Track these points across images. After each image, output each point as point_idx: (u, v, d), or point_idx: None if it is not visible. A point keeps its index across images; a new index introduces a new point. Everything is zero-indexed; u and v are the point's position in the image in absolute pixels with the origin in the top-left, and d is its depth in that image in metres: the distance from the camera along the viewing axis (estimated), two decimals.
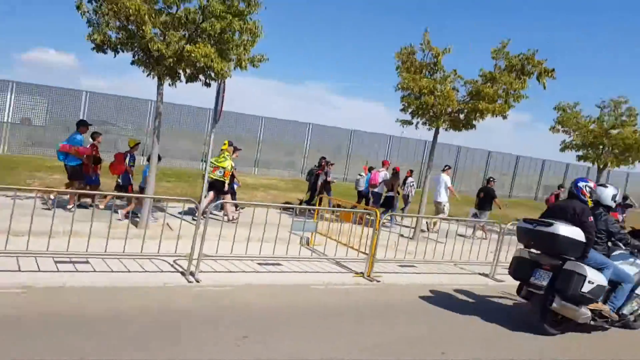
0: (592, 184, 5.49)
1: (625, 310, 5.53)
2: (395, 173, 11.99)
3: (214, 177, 9.14)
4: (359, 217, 8.46)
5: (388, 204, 11.69)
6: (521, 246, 5.74)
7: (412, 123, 9.94)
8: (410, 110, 9.60)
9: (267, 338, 4.15)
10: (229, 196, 9.34)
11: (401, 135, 22.96)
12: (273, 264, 6.67)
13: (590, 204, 5.38)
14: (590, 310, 5.12)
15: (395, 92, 9.57)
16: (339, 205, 10.04)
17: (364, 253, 7.07)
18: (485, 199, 12.01)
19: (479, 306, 6.22)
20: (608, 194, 5.62)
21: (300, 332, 4.43)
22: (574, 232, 5.00)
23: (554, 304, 4.98)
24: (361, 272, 6.81)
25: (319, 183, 11.93)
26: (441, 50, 9.01)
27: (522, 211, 18.66)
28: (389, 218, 9.50)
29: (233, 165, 9.61)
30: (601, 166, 13.25)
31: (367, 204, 12.64)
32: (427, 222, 11.20)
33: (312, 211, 8.64)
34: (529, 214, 11.58)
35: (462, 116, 9.59)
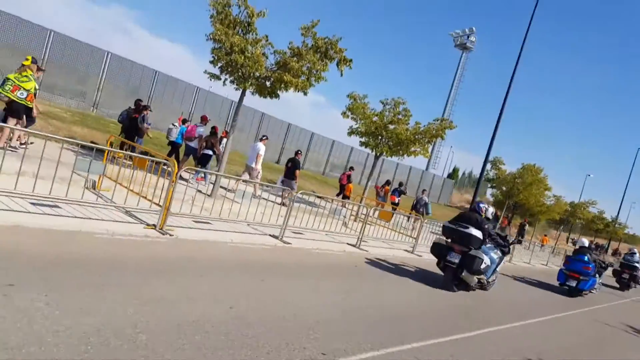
0: (486, 205, 9.45)
1: (490, 280, 9.38)
2: (214, 132, 12.03)
3: (13, 98, 7.84)
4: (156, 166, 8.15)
5: (203, 161, 11.78)
6: (441, 236, 8.99)
7: (221, 79, 9.91)
8: (219, 64, 9.53)
9: (36, 287, 3.68)
10: (14, 121, 8.03)
11: (209, 89, 22.55)
12: (50, 206, 5.99)
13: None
14: (478, 278, 8.81)
15: (207, 42, 9.35)
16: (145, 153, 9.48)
17: (158, 205, 6.89)
18: (292, 168, 13.32)
19: (270, 263, 6.81)
20: (491, 211, 9.74)
21: (75, 283, 4.02)
22: (478, 233, 8.41)
23: (463, 274, 8.41)
24: (153, 224, 6.61)
25: (140, 126, 11.39)
26: (257, 12, 9.08)
27: (313, 184, 20.59)
28: (194, 173, 9.79)
29: (37, 87, 8.31)
30: (378, 154, 15.21)
31: (177, 156, 12.44)
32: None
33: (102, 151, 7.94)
34: (318, 187, 13.47)
35: (268, 83, 9.93)
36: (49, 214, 5.77)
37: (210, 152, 11.85)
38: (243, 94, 10.19)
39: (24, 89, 8.00)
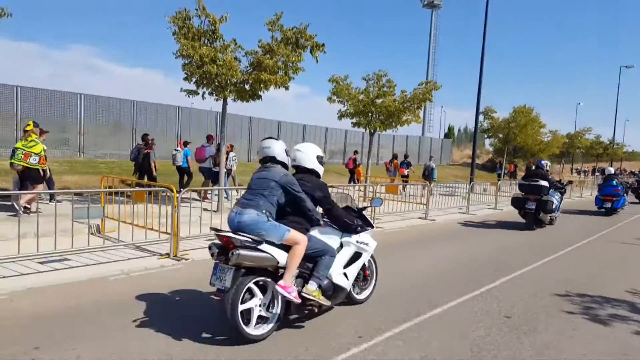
0: (545, 161, 12.22)
1: (557, 215, 12.23)
2: (218, 149, 11.88)
3: (27, 165, 8.23)
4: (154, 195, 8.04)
5: (216, 179, 11.87)
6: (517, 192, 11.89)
7: (198, 93, 9.76)
8: (194, 79, 9.37)
9: (63, 344, 3.57)
10: (41, 186, 8.47)
11: (191, 106, 22.34)
12: (59, 260, 5.89)
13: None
14: (550, 217, 11.67)
15: (177, 60, 9.19)
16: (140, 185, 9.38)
17: (166, 233, 6.80)
18: None
19: None
20: (549, 164, 12.41)
21: (100, 331, 3.89)
22: (545, 183, 11.25)
23: (540, 215, 11.25)
24: (166, 253, 6.52)
25: (152, 162, 11.75)
26: (218, 18, 8.88)
27: None
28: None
29: (45, 148, 8.68)
30: (372, 131, 15.12)
31: (189, 179, 12.80)
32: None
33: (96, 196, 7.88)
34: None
35: (247, 87, 9.77)
36: (59, 269, 5.66)
37: (217, 169, 11.79)
38: (225, 103, 10.04)
39: (34, 153, 8.29)
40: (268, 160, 4.14)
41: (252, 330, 3.75)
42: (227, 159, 12.85)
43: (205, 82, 9.34)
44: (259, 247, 3.77)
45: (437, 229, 10.93)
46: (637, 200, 21.81)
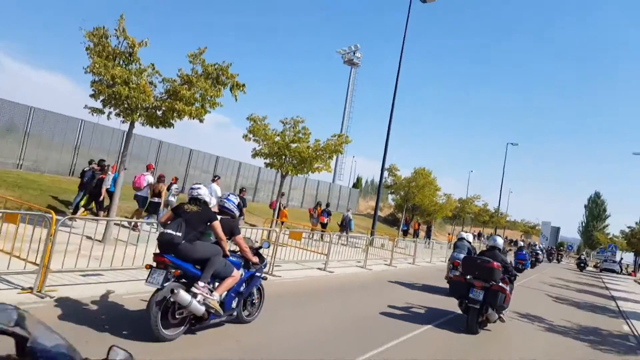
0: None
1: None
2: (161, 178, 12.52)
3: None
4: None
5: (153, 210, 12.22)
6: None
7: (104, 112, 9.19)
8: (101, 98, 8.83)
9: None
10: None
11: (97, 121, 20.88)
12: None
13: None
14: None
15: (86, 75, 8.63)
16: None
17: (34, 263, 6.01)
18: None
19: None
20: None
21: None
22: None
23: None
24: (30, 287, 5.72)
25: (104, 189, 11.66)
26: (137, 42, 8.58)
27: None
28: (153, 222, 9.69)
29: None
30: (284, 173, 15.21)
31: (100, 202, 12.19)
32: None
33: None
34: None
35: (159, 113, 9.39)
36: None
37: (158, 200, 12.29)
38: (132, 126, 9.50)
39: None
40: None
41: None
42: (169, 190, 13.40)
43: (113, 102, 8.81)
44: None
45: (333, 282, 10.95)
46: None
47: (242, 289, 5.77)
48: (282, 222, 18.04)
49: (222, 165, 28.38)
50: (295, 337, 5.97)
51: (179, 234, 5.03)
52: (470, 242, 13.03)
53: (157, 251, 5.10)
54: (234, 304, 5.65)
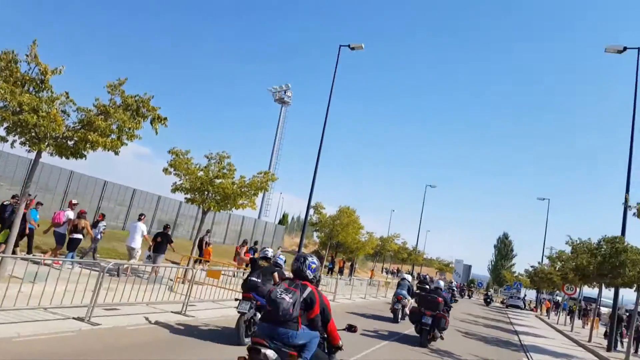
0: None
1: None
2: (82, 214, 12.54)
3: None
4: None
5: (72, 247, 12.17)
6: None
7: (7, 140, 8.60)
8: (5, 125, 8.27)
9: None
10: None
11: (1, 148, 19.30)
12: None
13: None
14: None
15: None
16: None
17: None
18: (161, 243, 13.76)
19: (71, 354, 5.74)
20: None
21: None
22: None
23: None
24: None
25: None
26: (51, 69, 8.21)
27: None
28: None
29: None
30: (206, 209, 14.88)
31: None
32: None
33: None
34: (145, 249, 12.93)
35: (70, 143, 8.91)
36: None
37: (80, 236, 12.25)
38: (38, 155, 8.94)
39: None
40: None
41: None
42: (95, 227, 13.50)
43: (19, 130, 8.27)
44: None
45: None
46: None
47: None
48: (207, 261, 17.64)
49: (140, 199, 27.16)
50: None
51: (259, 280, 8.23)
52: (409, 282, 16.61)
53: (242, 291, 8.57)
54: None
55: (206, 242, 18.98)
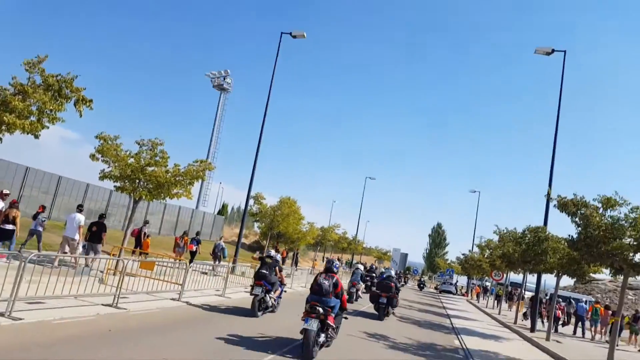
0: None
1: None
2: (14, 204, 12.04)
3: None
4: None
5: (4, 237, 11.79)
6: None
7: None
8: None
9: None
10: None
11: None
12: None
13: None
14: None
15: None
16: None
17: None
18: (97, 232, 13.30)
19: None
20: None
21: None
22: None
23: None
24: None
25: None
26: None
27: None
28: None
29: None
30: (137, 198, 14.17)
31: None
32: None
33: None
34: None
35: None
36: None
37: (12, 227, 11.77)
38: None
39: None
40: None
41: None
42: (35, 219, 13.25)
43: None
44: None
45: (186, 313, 10.41)
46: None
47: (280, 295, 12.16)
48: (146, 253, 16.99)
49: (67, 187, 25.60)
50: None
51: (267, 272, 11.29)
52: (362, 270, 21.20)
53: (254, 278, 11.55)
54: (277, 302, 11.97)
55: (145, 233, 18.26)
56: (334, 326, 8.14)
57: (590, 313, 22.28)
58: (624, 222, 10.91)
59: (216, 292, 14.19)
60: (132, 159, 13.70)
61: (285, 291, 13.24)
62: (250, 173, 22.03)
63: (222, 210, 65.16)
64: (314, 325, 7.49)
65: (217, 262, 20.09)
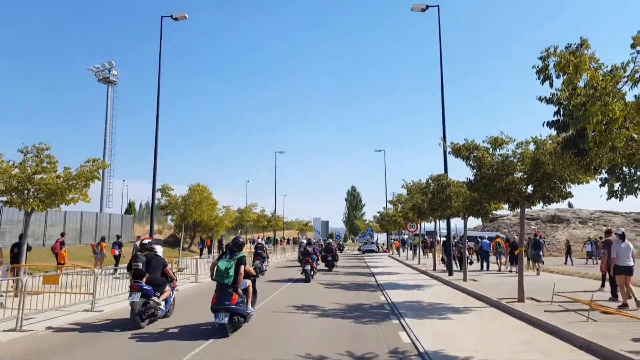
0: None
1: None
2: None
3: None
4: None
5: None
6: None
7: None
8: None
9: None
10: None
11: None
12: None
13: None
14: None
15: None
16: None
17: None
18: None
19: None
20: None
21: None
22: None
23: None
24: None
25: None
26: None
27: None
28: None
29: None
30: (28, 210, 12.95)
31: None
32: None
33: None
34: None
35: None
36: None
37: None
38: None
39: None
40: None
41: None
42: None
43: None
44: None
45: (100, 323, 9.79)
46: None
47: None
48: (63, 264, 16.10)
49: None
50: None
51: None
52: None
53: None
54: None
55: (61, 243, 17.35)
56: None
57: (494, 247, 24.42)
58: (512, 158, 11.79)
59: None
60: (16, 169, 12.43)
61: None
62: (153, 165, 20.97)
63: (130, 209, 61.87)
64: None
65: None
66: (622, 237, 11.22)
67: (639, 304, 10.67)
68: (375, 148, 54.56)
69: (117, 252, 19.44)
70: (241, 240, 9.17)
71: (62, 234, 18.82)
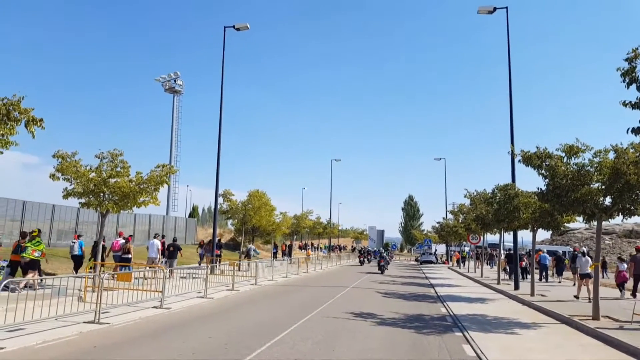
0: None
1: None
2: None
3: (32, 258, 12.21)
4: None
5: None
6: None
7: None
8: None
9: None
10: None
11: None
12: None
13: None
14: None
15: None
16: None
17: None
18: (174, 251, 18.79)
19: None
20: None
21: None
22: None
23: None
24: None
25: None
26: None
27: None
28: None
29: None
30: (104, 212, 13.84)
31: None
32: None
33: None
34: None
35: None
36: None
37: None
38: None
39: (39, 250, 12.52)
40: None
41: None
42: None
43: None
44: None
45: (168, 320, 10.23)
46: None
47: None
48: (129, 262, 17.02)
49: (32, 211, 24.76)
50: None
51: None
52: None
53: None
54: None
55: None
56: None
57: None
58: (589, 167, 11.02)
59: (198, 294, 14.07)
60: (93, 173, 13.42)
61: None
62: (216, 171, 21.75)
63: (193, 213, 64.30)
64: None
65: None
66: None
67: None
68: (435, 156, 52.98)
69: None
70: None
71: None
